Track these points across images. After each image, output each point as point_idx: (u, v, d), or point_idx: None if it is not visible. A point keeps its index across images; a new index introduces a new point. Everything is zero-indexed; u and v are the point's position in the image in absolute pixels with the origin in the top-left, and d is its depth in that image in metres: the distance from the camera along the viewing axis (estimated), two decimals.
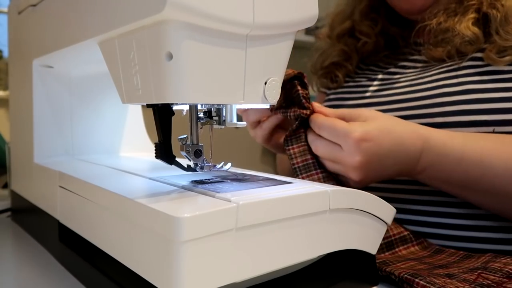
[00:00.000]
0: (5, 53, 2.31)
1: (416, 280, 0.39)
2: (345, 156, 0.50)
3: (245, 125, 0.41)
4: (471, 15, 0.60)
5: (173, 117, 0.37)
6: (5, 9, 2.04)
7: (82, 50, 0.46)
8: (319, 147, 0.52)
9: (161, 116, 0.37)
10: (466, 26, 0.59)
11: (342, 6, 0.81)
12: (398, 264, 0.46)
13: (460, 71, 0.59)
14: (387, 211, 0.43)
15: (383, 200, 0.42)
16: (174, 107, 0.38)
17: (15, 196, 0.69)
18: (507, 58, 0.56)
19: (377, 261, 0.46)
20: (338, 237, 0.39)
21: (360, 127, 0.49)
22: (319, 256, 0.39)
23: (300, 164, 0.54)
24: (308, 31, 2.26)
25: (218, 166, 0.42)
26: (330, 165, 0.53)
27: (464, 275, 0.42)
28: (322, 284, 0.40)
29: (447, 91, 0.58)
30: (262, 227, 0.33)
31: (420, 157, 0.52)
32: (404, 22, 0.74)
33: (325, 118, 0.52)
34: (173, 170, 0.45)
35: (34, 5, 0.56)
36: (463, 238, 0.57)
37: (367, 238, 0.42)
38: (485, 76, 0.57)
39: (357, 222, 0.40)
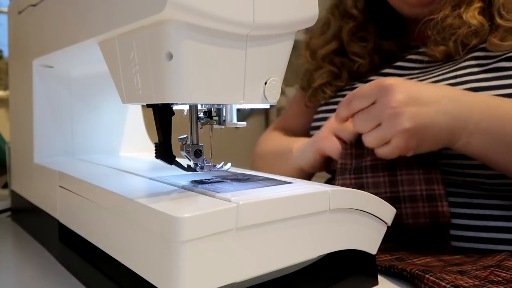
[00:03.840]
0: (5, 53, 2.32)
1: (427, 276, 0.40)
2: (383, 105, 0.48)
3: (245, 125, 0.41)
4: (477, 5, 0.61)
5: (173, 117, 0.37)
6: (5, 9, 2.04)
7: (82, 50, 0.46)
8: (355, 120, 0.52)
9: (161, 116, 0.37)
10: (473, 15, 0.60)
11: (323, 27, 0.79)
12: (413, 260, 0.46)
13: (463, 70, 0.59)
14: (387, 211, 0.43)
15: (383, 200, 0.42)
16: (174, 107, 0.38)
17: (15, 196, 0.69)
18: (509, 42, 0.56)
19: (393, 257, 0.47)
20: (338, 237, 0.39)
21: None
22: (319, 256, 0.39)
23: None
24: (308, 31, 2.25)
25: (218, 166, 0.42)
26: (372, 136, 0.51)
27: (476, 272, 0.42)
28: (322, 284, 0.40)
29: None
30: (262, 227, 0.33)
31: (472, 105, 0.50)
32: (399, 34, 0.74)
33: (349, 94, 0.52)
34: (173, 170, 0.45)
35: (34, 5, 0.56)
36: (473, 239, 0.57)
37: (367, 238, 0.42)
38: (488, 74, 0.57)
39: (357, 222, 0.40)
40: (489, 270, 0.42)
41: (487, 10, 0.61)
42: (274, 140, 0.83)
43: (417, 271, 0.41)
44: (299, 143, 0.69)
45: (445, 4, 0.63)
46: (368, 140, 0.52)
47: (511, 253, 0.47)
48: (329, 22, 0.79)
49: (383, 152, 0.51)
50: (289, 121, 0.90)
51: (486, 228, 0.56)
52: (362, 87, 0.53)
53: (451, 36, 0.61)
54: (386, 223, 0.43)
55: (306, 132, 0.82)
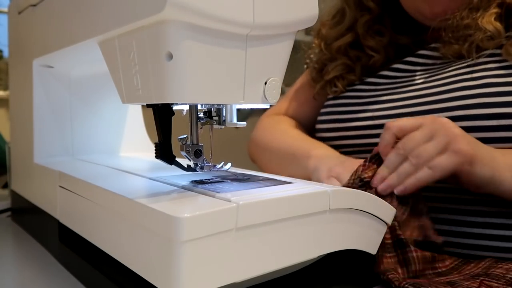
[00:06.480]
0: (5, 53, 2.31)
1: None
2: (428, 123, 0.48)
3: (245, 125, 0.41)
4: (494, 10, 0.60)
5: (173, 117, 0.37)
6: (5, 9, 2.04)
7: (82, 50, 0.46)
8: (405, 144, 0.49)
9: (161, 116, 0.37)
10: (488, 21, 0.59)
11: (336, 17, 0.78)
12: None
13: (478, 66, 0.59)
14: (387, 211, 0.43)
15: (383, 200, 0.42)
16: (174, 107, 0.38)
17: (15, 196, 0.69)
18: None
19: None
20: (338, 237, 0.39)
21: None
22: (319, 256, 0.39)
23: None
24: (308, 31, 2.25)
25: (218, 166, 0.42)
26: (420, 153, 0.48)
27: (467, 283, 0.41)
28: (322, 284, 0.40)
29: (467, 85, 0.58)
30: (262, 227, 0.33)
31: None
32: (415, 29, 0.73)
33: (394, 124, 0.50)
34: (173, 170, 0.45)
35: (34, 5, 0.56)
36: (469, 234, 0.56)
37: (367, 238, 0.42)
38: (504, 70, 0.57)
39: (357, 222, 0.40)
40: (478, 280, 0.41)
41: (504, 17, 0.60)
42: (284, 133, 0.80)
43: (407, 285, 0.39)
44: (317, 152, 0.66)
45: (461, 6, 0.63)
46: (408, 143, 0.49)
47: (495, 259, 0.46)
48: (343, 12, 0.77)
49: (427, 150, 0.48)
50: (295, 109, 0.87)
51: (470, 235, 0.56)
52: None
53: (466, 37, 0.61)
54: (386, 223, 0.43)
55: (311, 121, 0.81)
